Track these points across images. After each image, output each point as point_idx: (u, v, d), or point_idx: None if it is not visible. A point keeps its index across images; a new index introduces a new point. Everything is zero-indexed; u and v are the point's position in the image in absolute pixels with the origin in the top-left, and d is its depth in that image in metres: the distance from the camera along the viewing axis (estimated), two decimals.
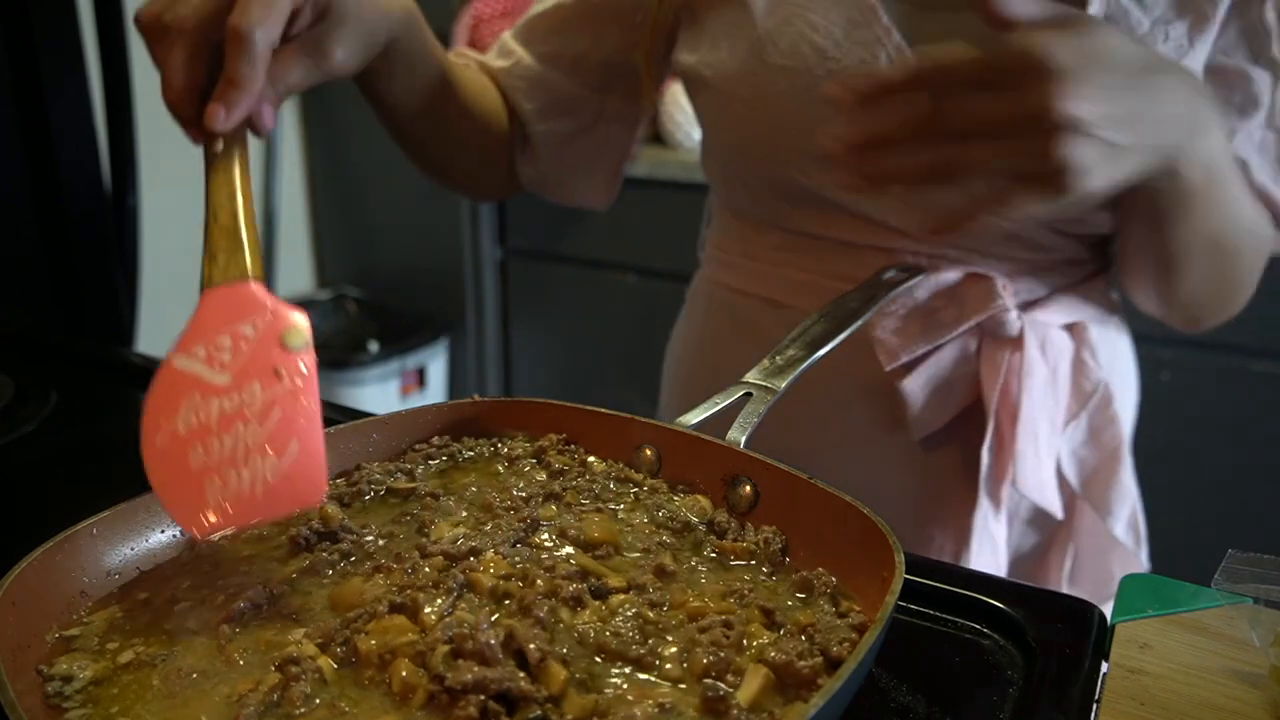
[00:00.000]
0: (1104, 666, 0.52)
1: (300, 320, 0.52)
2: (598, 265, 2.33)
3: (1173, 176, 0.61)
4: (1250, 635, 0.52)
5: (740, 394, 0.62)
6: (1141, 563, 0.87)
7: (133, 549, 0.52)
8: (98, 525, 0.51)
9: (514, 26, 0.91)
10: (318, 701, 0.42)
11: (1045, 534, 0.87)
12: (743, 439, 0.58)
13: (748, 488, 0.57)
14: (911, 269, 0.77)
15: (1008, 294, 0.78)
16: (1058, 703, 0.48)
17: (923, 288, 0.79)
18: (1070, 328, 0.81)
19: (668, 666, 0.44)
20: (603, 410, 0.64)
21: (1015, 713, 0.48)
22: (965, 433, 0.80)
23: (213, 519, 0.49)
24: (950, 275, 0.79)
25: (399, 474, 0.61)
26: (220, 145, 0.56)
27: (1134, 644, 0.52)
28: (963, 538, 0.79)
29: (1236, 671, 0.50)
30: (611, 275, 2.31)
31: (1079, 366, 0.81)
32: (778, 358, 0.64)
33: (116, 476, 0.77)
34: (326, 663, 0.44)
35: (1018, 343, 0.78)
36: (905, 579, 0.45)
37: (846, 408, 0.82)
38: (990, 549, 0.80)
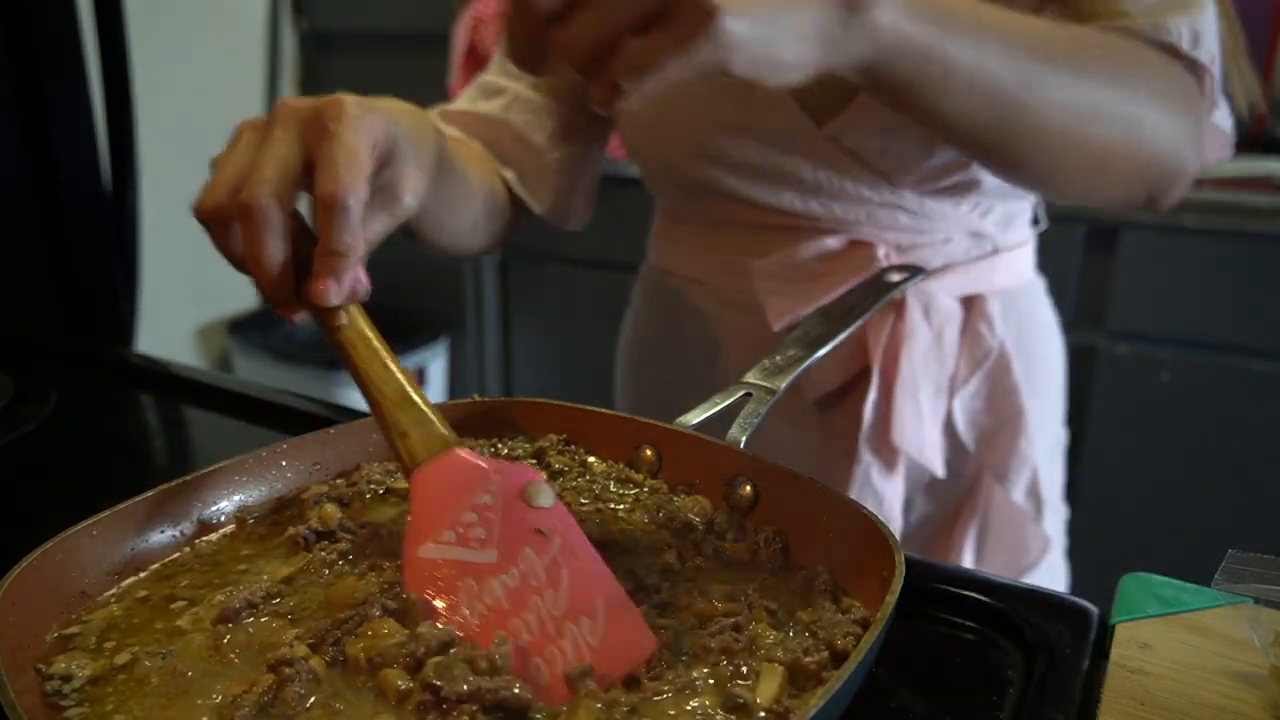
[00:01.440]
0: (1104, 666, 0.52)
1: (537, 478, 0.50)
2: (598, 265, 2.33)
3: (866, 23, 0.52)
4: (1250, 635, 0.52)
5: (740, 394, 0.62)
6: (1044, 531, 0.90)
7: (133, 549, 0.52)
8: (97, 525, 0.51)
9: (490, 70, 0.92)
10: (312, 700, 0.42)
11: (951, 501, 0.90)
12: (743, 439, 0.58)
13: (748, 488, 0.57)
14: (911, 269, 0.78)
15: (888, 261, 0.83)
16: (1058, 703, 0.48)
17: (806, 251, 0.84)
18: (965, 300, 0.85)
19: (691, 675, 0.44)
20: (603, 410, 0.64)
21: (1015, 713, 0.48)
22: (857, 393, 0.85)
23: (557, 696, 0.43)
24: (833, 241, 0.84)
25: (399, 473, 0.61)
26: (343, 318, 0.52)
27: (1134, 644, 0.52)
28: (845, 491, 0.81)
29: (1236, 671, 0.50)
30: (611, 275, 2.31)
31: (971, 335, 0.86)
32: (778, 357, 0.64)
33: (116, 476, 0.77)
34: (319, 663, 0.44)
35: (899, 307, 0.83)
36: (905, 579, 0.45)
37: (740, 368, 0.83)
38: (875, 504, 0.84)
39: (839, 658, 0.44)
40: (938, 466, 0.85)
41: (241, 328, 2.47)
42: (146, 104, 1.37)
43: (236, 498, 0.58)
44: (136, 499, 0.53)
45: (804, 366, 0.63)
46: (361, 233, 0.50)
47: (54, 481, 0.75)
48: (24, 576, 0.46)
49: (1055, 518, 0.94)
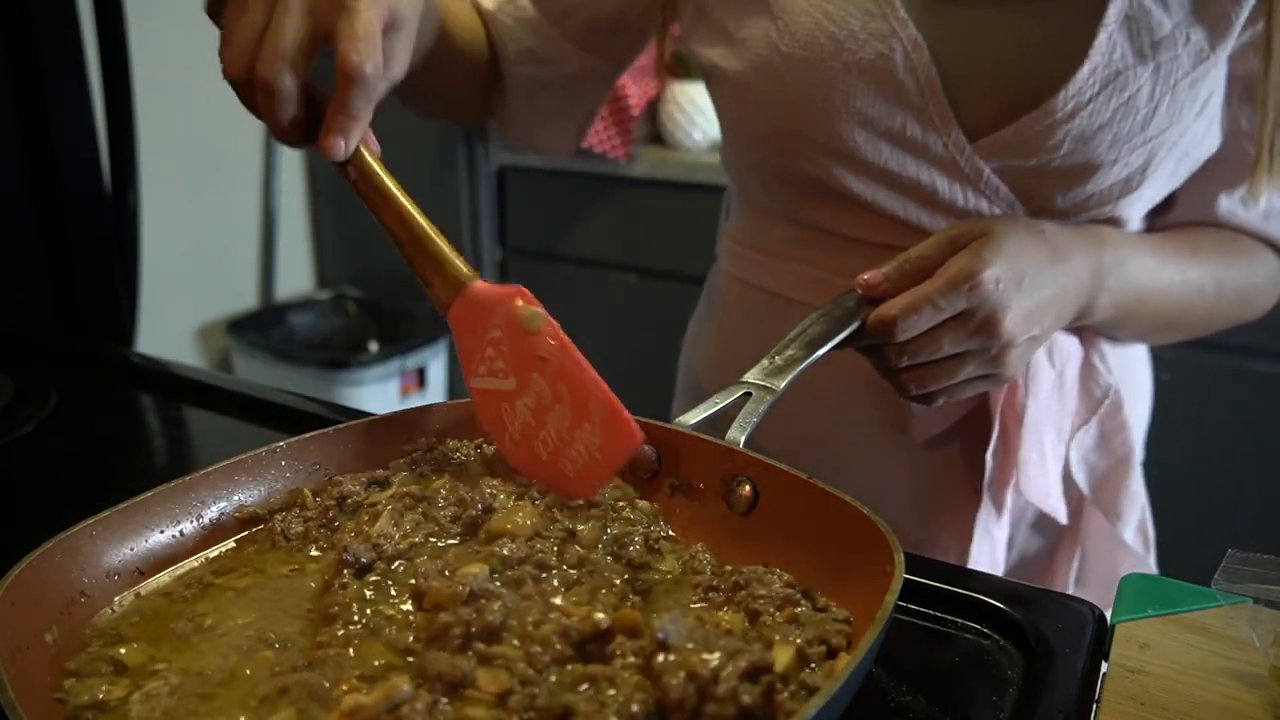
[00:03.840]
0: (1104, 666, 0.52)
1: (526, 306, 0.55)
2: (598, 265, 2.33)
3: (1085, 318, 0.73)
4: (1250, 635, 0.52)
5: (740, 394, 0.62)
6: (1150, 567, 0.87)
7: (132, 549, 0.52)
8: (97, 525, 0.51)
9: None
10: None
11: (1052, 538, 0.86)
12: (742, 439, 0.58)
13: (747, 488, 0.57)
14: None
15: None
16: (1058, 703, 0.48)
17: None
18: (1079, 333, 0.81)
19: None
20: None
21: (1015, 713, 0.48)
22: (970, 434, 0.80)
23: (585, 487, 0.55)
24: None
25: (374, 485, 0.60)
26: (353, 170, 0.58)
27: (1134, 644, 0.52)
28: (966, 539, 0.79)
29: (1236, 671, 0.50)
30: (611, 275, 2.31)
31: (1088, 372, 0.81)
32: (777, 357, 0.64)
33: (116, 476, 0.77)
34: None
35: None
36: (905, 579, 0.45)
37: (849, 405, 0.82)
38: (989, 551, 0.80)
39: (833, 654, 0.45)
40: (1061, 513, 0.80)
41: (241, 328, 2.47)
42: (146, 104, 1.37)
43: (236, 498, 0.58)
44: (136, 499, 0.53)
45: (803, 366, 0.63)
46: (376, 99, 0.57)
47: (54, 481, 0.75)
48: (24, 577, 0.46)
49: None
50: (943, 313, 0.64)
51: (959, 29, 0.71)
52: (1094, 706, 0.49)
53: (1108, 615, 0.56)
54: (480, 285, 0.56)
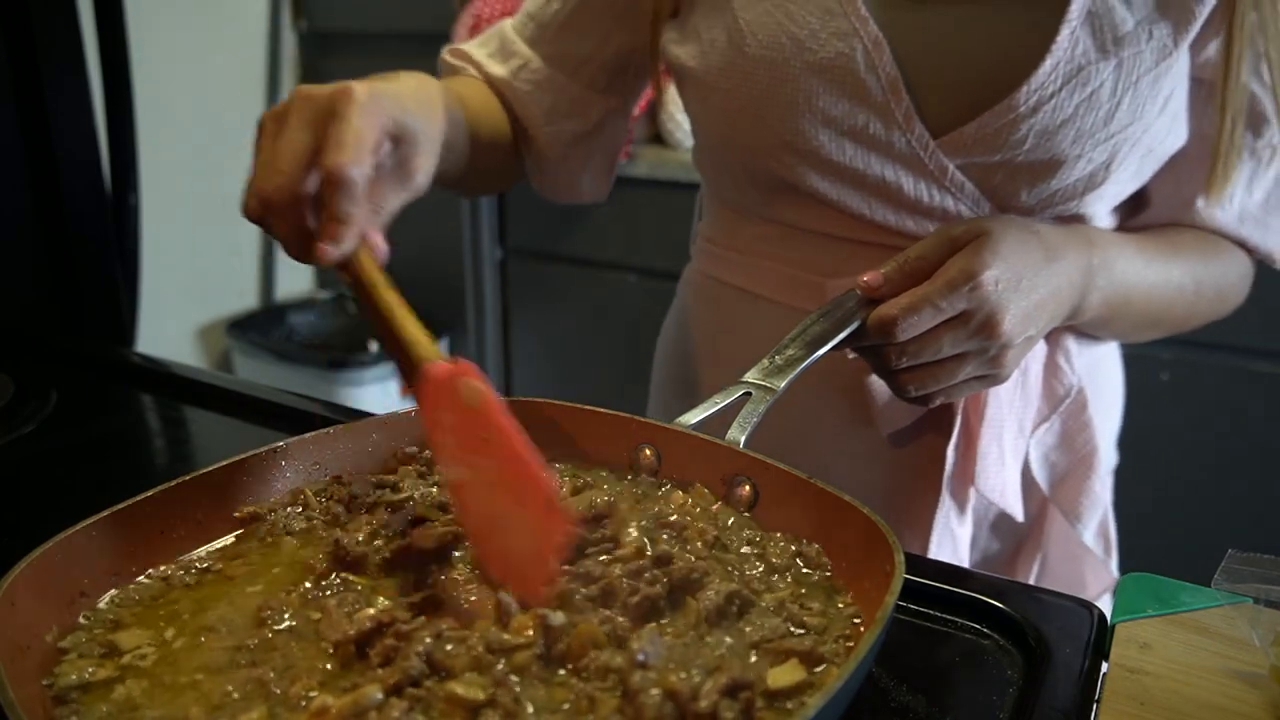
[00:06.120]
0: (1104, 666, 0.52)
1: (466, 380, 0.51)
2: (598, 265, 2.33)
3: (1076, 318, 0.74)
4: (1250, 635, 0.52)
5: (740, 394, 0.62)
6: (1111, 571, 0.87)
7: (133, 549, 0.52)
8: (97, 525, 0.51)
9: (515, 21, 0.91)
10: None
11: (1014, 539, 0.87)
12: (742, 439, 0.58)
13: (747, 488, 0.57)
14: None
15: None
16: (1057, 703, 0.48)
17: None
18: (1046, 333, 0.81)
19: None
20: (602, 410, 0.64)
21: (1015, 713, 0.48)
22: (933, 429, 0.80)
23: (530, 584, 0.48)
24: None
25: (382, 488, 0.61)
26: (347, 276, 0.58)
27: (1134, 644, 0.52)
28: (928, 536, 0.79)
29: (1236, 671, 0.50)
30: (611, 275, 2.31)
31: (1052, 370, 0.82)
32: (777, 357, 0.64)
33: (116, 476, 0.77)
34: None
35: None
36: (905, 579, 0.45)
37: (816, 400, 0.82)
38: (951, 550, 0.80)
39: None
40: (1018, 511, 0.81)
41: (241, 328, 2.47)
42: (146, 104, 1.37)
43: (236, 498, 0.58)
44: (136, 499, 0.53)
45: (803, 366, 0.63)
46: (365, 203, 0.57)
47: (54, 481, 0.75)
48: (24, 576, 0.46)
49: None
50: (943, 313, 0.65)
51: (921, 26, 0.72)
52: (1094, 706, 0.49)
53: (1107, 614, 0.56)
54: (433, 366, 0.52)
